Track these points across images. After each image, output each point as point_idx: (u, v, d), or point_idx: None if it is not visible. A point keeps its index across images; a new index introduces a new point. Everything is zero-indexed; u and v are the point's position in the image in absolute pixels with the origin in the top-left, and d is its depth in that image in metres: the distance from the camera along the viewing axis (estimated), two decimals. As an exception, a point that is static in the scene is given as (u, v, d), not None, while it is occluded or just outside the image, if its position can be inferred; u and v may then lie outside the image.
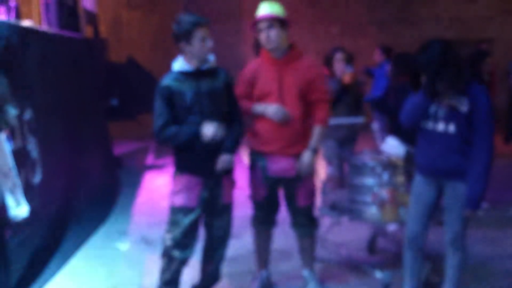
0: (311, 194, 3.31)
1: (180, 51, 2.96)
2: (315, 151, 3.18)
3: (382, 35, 11.21)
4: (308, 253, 3.47)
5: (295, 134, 3.17)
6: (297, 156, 3.18)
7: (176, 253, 3.00)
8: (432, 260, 3.77)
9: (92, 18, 7.06)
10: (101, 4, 13.33)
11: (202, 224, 3.17)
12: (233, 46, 11.37)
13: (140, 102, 7.12)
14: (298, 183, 3.23)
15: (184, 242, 2.99)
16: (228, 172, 3.10)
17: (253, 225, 3.48)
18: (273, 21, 3.07)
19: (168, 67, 3.07)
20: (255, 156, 3.27)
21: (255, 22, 3.12)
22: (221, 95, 3.01)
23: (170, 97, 2.92)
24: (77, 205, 4.76)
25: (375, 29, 11.48)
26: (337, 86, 4.58)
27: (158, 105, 2.95)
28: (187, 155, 2.96)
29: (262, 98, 3.17)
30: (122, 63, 14.47)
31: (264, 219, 3.40)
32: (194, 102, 2.91)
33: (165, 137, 2.94)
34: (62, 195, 4.41)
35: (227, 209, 3.15)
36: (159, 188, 6.17)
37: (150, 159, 8.03)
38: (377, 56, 6.97)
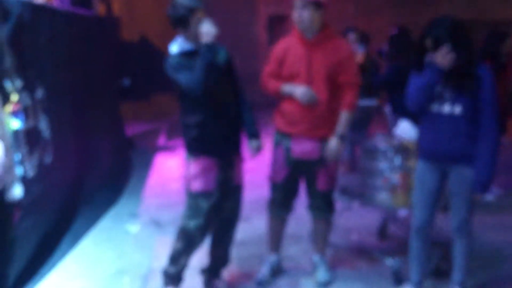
0: (332, 179, 3.27)
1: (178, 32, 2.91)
2: (342, 138, 3.13)
3: (398, 15, 11.00)
4: (321, 238, 3.43)
5: (321, 117, 3.11)
6: (322, 139, 3.13)
7: (198, 239, 2.99)
8: (443, 247, 3.72)
9: (105, -4, 7.00)
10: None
11: None
12: (246, 25, 11.23)
13: (152, 82, 7.08)
14: (321, 167, 3.18)
15: (207, 227, 2.99)
16: (239, 152, 3.08)
17: (269, 208, 3.42)
18: (308, 2, 3.01)
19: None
20: (280, 136, 3.23)
21: None
22: (224, 74, 2.96)
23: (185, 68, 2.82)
24: (88, 187, 4.77)
25: (391, 9, 11.28)
26: None
27: (182, 73, 2.80)
28: (200, 137, 2.91)
29: (290, 78, 3.12)
30: (134, 42, 14.41)
31: (281, 202, 3.35)
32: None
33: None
34: (73, 176, 4.41)
35: (238, 190, 3.12)
36: (170, 169, 6.17)
37: (161, 140, 8.03)
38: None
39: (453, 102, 2.77)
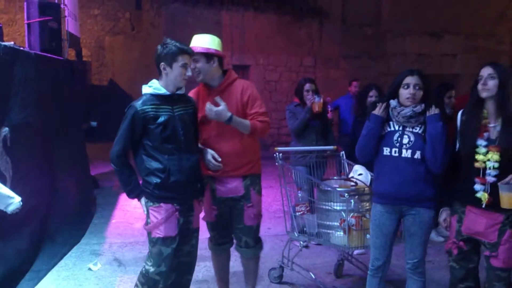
0: (258, 214, 3.39)
1: (158, 74, 2.97)
2: (230, 117, 3.13)
3: (352, 68, 11.77)
4: (251, 275, 3.53)
5: (240, 157, 3.26)
6: (244, 176, 3.29)
7: (161, 285, 3.01)
8: (396, 286, 3.91)
9: (75, 41, 7.20)
10: (85, 29, 13.54)
11: None
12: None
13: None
14: (246, 202, 3.31)
15: (169, 273, 3.02)
16: (199, 196, 3.15)
17: (209, 246, 3.56)
18: (198, 54, 3.16)
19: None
20: (205, 179, 3.33)
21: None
22: (191, 121, 3.10)
23: (143, 122, 2.89)
24: (51, 225, 4.78)
25: (346, 62, 12.02)
26: (307, 114, 4.86)
27: (124, 127, 2.92)
28: (163, 184, 2.92)
29: (203, 124, 3.25)
30: (103, 86, 14.54)
31: (219, 239, 3.48)
32: (169, 126, 2.92)
33: (118, 167, 2.94)
34: (36, 214, 4.43)
35: (196, 233, 3.16)
36: (134, 209, 6.23)
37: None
38: (353, 88, 7.38)
39: (414, 147, 2.94)
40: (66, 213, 5.26)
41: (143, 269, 3.01)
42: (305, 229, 3.95)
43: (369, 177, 3.84)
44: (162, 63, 2.92)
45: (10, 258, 3.80)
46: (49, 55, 5.26)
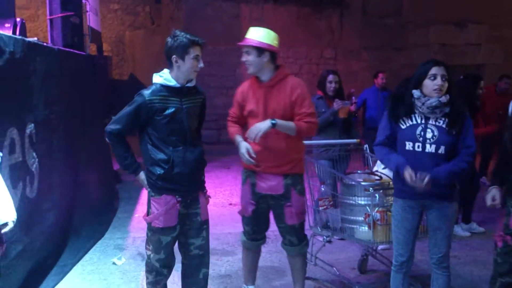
0: (300, 213, 3.37)
1: (168, 64, 2.94)
2: (274, 124, 3.14)
3: (374, 59, 11.61)
4: (298, 272, 3.52)
5: (282, 155, 3.25)
6: (285, 175, 3.28)
7: (165, 271, 3.08)
8: (421, 281, 3.85)
9: (96, 36, 7.23)
10: (105, 24, 13.63)
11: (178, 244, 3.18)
12: (233, 67, 11.58)
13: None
14: (286, 202, 3.30)
15: (170, 260, 3.09)
16: (203, 188, 3.17)
17: (241, 240, 3.57)
18: (249, 47, 3.20)
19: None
20: (247, 173, 3.38)
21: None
22: (197, 114, 3.10)
23: (149, 112, 2.89)
24: (76, 219, 4.83)
25: (367, 53, 11.86)
26: (331, 116, 4.82)
27: (128, 111, 2.92)
28: (166, 175, 2.93)
29: (251, 118, 3.30)
30: (124, 81, 14.65)
31: (252, 234, 3.48)
32: (175, 119, 2.92)
33: (113, 143, 2.97)
34: (61, 209, 4.48)
35: (205, 226, 3.15)
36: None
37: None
38: (379, 80, 7.22)
39: (438, 142, 2.87)
40: (89, 208, 5.32)
41: (146, 254, 3.08)
42: (328, 223, 3.91)
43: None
44: (174, 56, 2.90)
45: (37, 253, 3.85)
46: (71, 50, 5.30)
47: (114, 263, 4.39)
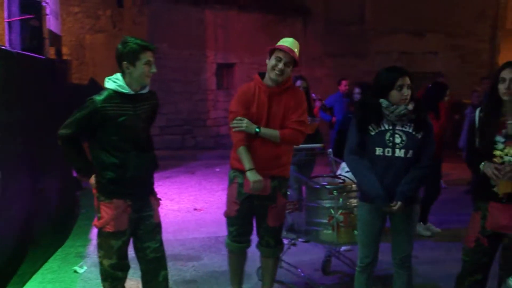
0: (282, 216, 3.43)
1: (120, 69, 2.89)
2: (257, 132, 3.26)
3: (336, 66, 11.85)
4: (269, 274, 3.56)
5: (274, 159, 3.31)
6: (272, 177, 3.31)
7: (120, 274, 3.03)
8: (382, 282, 3.94)
9: (56, 40, 7.08)
10: (65, 27, 13.34)
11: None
12: (197, 72, 11.56)
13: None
14: (271, 203, 3.35)
15: (123, 263, 3.04)
16: (154, 191, 3.14)
17: (226, 242, 3.54)
18: (291, 59, 3.25)
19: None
20: (234, 172, 3.39)
21: (279, 49, 3.24)
22: (149, 118, 3.06)
23: (101, 119, 2.82)
24: (35, 227, 4.69)
25: (331, 60, 12.10)
26: None
27: (79, 116, 2.85)
28: (115, 180, 2.88)
29: (250, 118, 3.29)
30: (84, 85, 14.35)
31: (237, 236, 3.47)
32: (128, 125, 2.87)
33: (64, 147, 2.90)
34: (21, 217, 4.35)
35: (158, 228, 3.12)
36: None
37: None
38: (343, 87, 7.66)
39: (407, 146, 2.97)
40: (49, 215, 5.18)
41: (98, 260, 3.03)
42: (293, 226, 3.96)
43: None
44: (125, 62, 2.84)
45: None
46: (30, 54, 5.16)
47: (75, 271, 4.28)
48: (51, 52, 7.02)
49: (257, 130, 3.22)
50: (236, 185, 3.37)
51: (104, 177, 2.90)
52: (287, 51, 3.22)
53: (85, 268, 4.35)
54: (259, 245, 3.51)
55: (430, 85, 5.44)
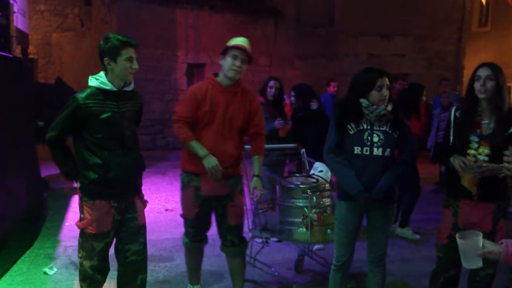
0: (241, 213, 3.45)
1: (103, 67, 2.87)
2: (260, 177, 3.43)
3: (307, 67, 11.98)
4: (238, 274, 3.55)
5: (229, 158, 3.30)
6: (229, 177, 3.32)
7: (99, 277, 2.98)
8: (356, 280, 4.01)
9: (24, 38, 6.91)
10: (31, 25, 13.03)
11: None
12: (168, 72, 11.47)
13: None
14: (230, 202, 3.35)
15: (104, 266, 3.00)
16: (140, 192, 3.10)
17: (184, 241, 3.55)
18: (248, 56, 3.26)
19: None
20: (188, 176, 3.37)
21: (233, 47, 3.24)
22: (134, 118, 3.02)
23: (84, 116, 2.79)
24: (2, 229, 4.57)
25: (301, 62, 12.21)
26: (269, 132, 4.76)
27: (63, 116, 2.83)
28: (97, 181, 2.85)
29: (206, 123, 3.26)
30: (50, 84, 14.02)
31: (195, 235, 3.48)
32: (111, 123, 2.84)
33: (51, 150, 2.88)
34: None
35: (142, 231, 3.08)
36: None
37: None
38: (331, 88, 7.80)
39: (383, 145, 3.02)
40: (16, 217, 5.05)
41: (78, 262, 2.98)
42: (267, 226, 3.97)
43: (329, 174, 3.91)
44: (106, 58, 2.83)
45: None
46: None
47: (45, 273, 4.19)
48: (17, 51, 6.86)
49: (257, 175, 3.38)
50: (193, 189, 3.34)
51: (87, 177, 2.87)
52: (242, 48, 3.23)
53: (55, 269, 4.26)
54: (224, 247, 3.49)
55: (406, 87, 5.55)
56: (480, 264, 2.19)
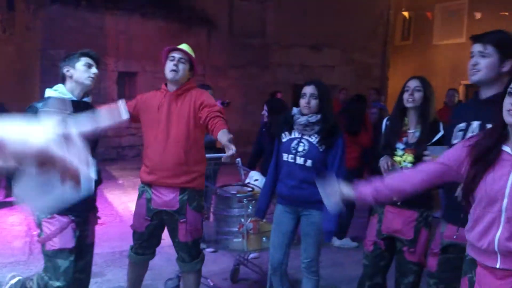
0: (194, 230, 3.25)
1: (61, 79, 2.86)
2: (230, 139, 2.87)
3: (240, 77, 12.10)
4: None
5: (181, 165, 3.16)
6: (181, 189, 3.18)
7: None
8: (292, 285, 4.04)
9: None
10: None
11: None
12: (97, 80, 11.12)
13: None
14: (180, 218, 3.19)
15: (73, 286, 2.85)
16: (95, 209, 3.01)
17: (129, 253, 3.41)
18: (187, 55, 3.22)
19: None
20: (142, 187, 3.27)
21: (170, 50, 3.22)
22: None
23: None
24: None
25: (234, 71, 12.31)
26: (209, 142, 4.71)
27: None
28: None
29: (150, 127, 3.21)
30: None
31: (143, 249, 3.35)
32: None
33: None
34: None
35: (91, 248, 3.02)
36: (12, 227, 5.68)
37: (0, 196, 7.36)
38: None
39: (305, 155, 3.12)
40: None
41: (43, 278, 2.80)
42: (204, 236, 3.92)
43: (263, 182, 3.94)
44: (65, 67, 2.83)
45: None
46: None
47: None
48: None
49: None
50: (145, 201, 3.25)
51: None
52: (177, 48, 3.23)
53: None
54: (177, 260, 3.40)
55: (351, 99, 5.69)
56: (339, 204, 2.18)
